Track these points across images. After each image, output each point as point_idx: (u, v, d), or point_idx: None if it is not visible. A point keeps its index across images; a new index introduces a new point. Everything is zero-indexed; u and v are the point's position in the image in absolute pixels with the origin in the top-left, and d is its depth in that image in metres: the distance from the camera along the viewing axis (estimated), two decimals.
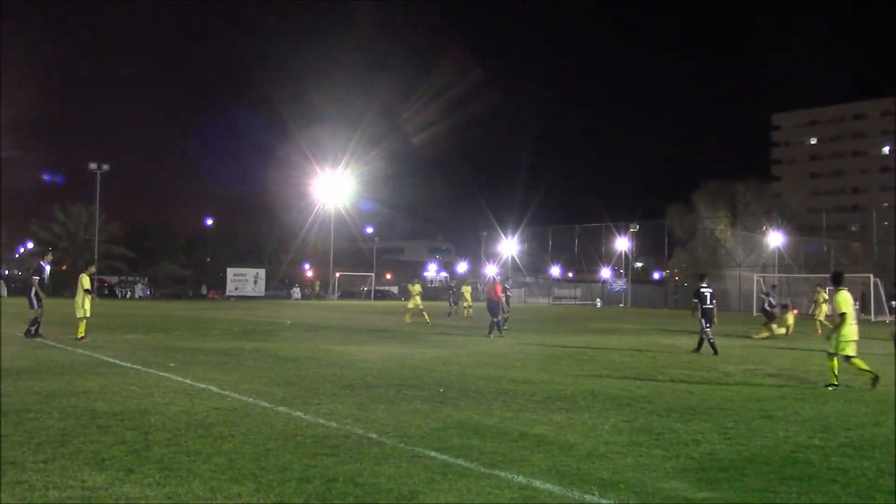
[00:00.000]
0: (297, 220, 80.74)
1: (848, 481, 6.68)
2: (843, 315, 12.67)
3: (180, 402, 9.96)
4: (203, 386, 11.47)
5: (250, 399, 10.33)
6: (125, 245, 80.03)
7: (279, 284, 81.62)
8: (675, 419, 9.46)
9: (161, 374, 12.86)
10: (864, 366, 12.70)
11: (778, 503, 6.03)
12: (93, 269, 20.77)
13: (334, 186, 73.10)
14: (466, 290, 39.27)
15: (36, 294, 19.43)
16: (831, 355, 12.82)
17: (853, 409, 10.69)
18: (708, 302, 18.92)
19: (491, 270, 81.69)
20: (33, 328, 19.43)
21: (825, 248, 64.39)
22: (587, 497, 6.06)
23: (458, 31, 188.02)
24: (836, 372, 12.77)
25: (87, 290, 19.36)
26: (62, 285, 78.20)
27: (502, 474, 6.62)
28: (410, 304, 32.08)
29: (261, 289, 73.24)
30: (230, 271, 73.08)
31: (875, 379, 12.60)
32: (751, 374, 14.71)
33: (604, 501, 5.97)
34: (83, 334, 19.07)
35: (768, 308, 26.93)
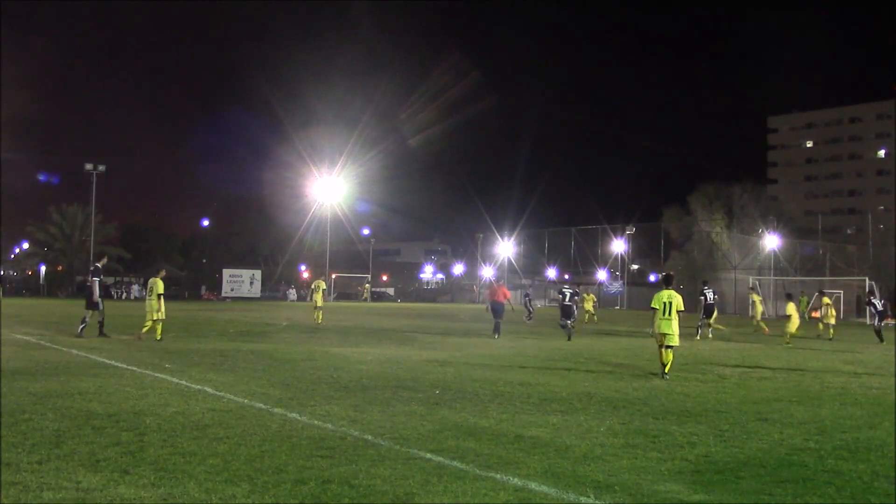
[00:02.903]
0: (294, 221, 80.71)
1: (843, 484, 6.69)
2: (653, 310, 14.51)
3: (176, 403, 9.94)
4: (199, 387, 11.45)
5: (246, 400, 10.32)
6: (121, 246, 79.97)
7: (275, 285, 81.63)
8: (671, 421, 9.47)
9: (157, 375, 12.84)
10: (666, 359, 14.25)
11: None
12: (163, 272, 21.24)
13: (331, 188, 73.01)
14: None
15: (98, 295, 20.44)
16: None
17: (848, 411, 10.71)
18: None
19: (487, 272, 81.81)
20: (100, 327, 20.50)
21: (820, 251, 64.50)
22: (582, 499, 6.06)
23: (456, 33, 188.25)
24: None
25: (160, 295, 19.91)
26: (57, 286, 78.07)
27: (498, 476, 6.62)
28: (320, 303, 31.22)
29: (257, 290, 73.25)
30: (226, 272, 73.06)
31: (662, 373, 14.12)
32: (746, 377, 14.73)
33: (599, 503, 5.97)
34: (160, 336, 19.83)
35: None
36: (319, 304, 30.80)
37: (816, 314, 33.81)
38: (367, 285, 78.88)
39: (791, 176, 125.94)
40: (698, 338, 25.29)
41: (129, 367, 13.71)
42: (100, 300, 20.52)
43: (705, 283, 26.92)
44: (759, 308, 31.56)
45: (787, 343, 23.59)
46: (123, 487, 6.04)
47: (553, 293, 79.85)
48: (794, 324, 23.91)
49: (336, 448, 7.52)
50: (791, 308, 24.29)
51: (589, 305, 38.26)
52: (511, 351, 19.45)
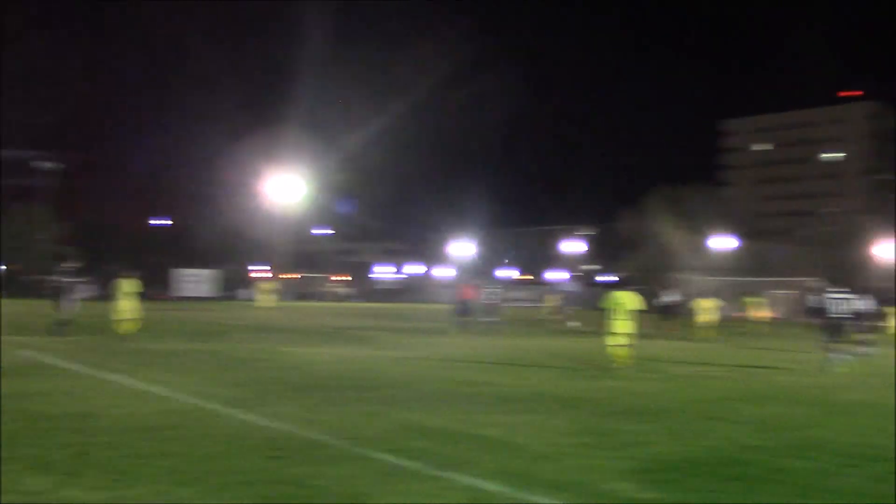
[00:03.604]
0: (249, 220, 79.95)
1: (789, 481, 6.83)
2: (606, 311, 15.50)
3: (126, 404, 9.82)
4: (150, 388, 11.32)
5: (198, 401, 10.23)
6: (74, 245, 78.50)
7: (230, 285, 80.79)
8: (622, 420, 9.59)
9: (108, 376, 12.66)
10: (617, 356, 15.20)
11: (721, 503, 6.14)
12: (135, 273, 21.57)
13: (285, 186, 72.50)
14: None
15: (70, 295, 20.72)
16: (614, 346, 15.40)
17: (794, 410, 10.93)
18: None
19: (447, 272, 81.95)
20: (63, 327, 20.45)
21: (771, 253, 65.65)
22: (534, 498, 6.11)
23: (414, 30, 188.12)
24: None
25: (135, 294, 20.26)
26: (13, 287, 76.40)
27: (450, 476, 6.65)
28: (270, 303, 31.26)
29: (208, 289, 72.39)
30: (177, 272, 72.09)
31: (616, 370, 14.86)
32: (696, 376, 14.95)
33: (550, 502, 6.03)
34: (130, 334, 19.86)
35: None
36: (270, 304, 30.94)
37: (766, 314, 34.57)
38: (330, 285, 78.45)
39: (743, 178, 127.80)
40: (663, 339, 25.89)
41: (80, 369, 13.50)
42: (70, 300, 20.75)
43: (665, 286, 27.31)
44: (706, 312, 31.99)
45: (702, 337, 25.16)
46: (72, 490, 5.96)
47: (510, 293, 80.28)
48: (706, 318, 25.59)
49: (289, 449, 7.49)
50: (706, 304, 25.44)
51: (551, 306, 38.64)
52: (466, 350, 19.51)
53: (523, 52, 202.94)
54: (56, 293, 20.69)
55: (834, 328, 16.59)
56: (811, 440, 8.70)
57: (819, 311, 17.22)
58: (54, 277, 21.06)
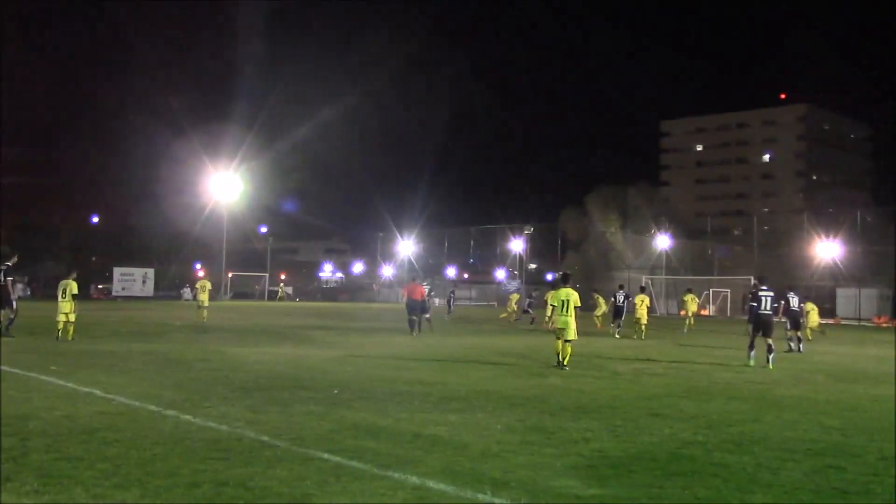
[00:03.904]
0: (189, 218, 78.74)
1: (729, 476, 6.94)
2: (552, 307, 15.84)
3: (62, 406, 9.58)
4: (87, 390, 11.07)
5: (137, 403, 10.03)
6: (7, 244, 76.44)
7: (169, 285, 79.46)
8: (567, 418, 9.66)
9: (42, 377, 12.35)
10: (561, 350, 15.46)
11: (664, 498, 6.22)
12: (75, 273, 21.65)
13: (227, 185, 71.59)
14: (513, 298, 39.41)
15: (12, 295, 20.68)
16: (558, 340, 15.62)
17: (734, 406, 11.13)
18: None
19: (387, 271, 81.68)
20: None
21: (710, 251, 66.88)
22: (480, 496, 6.11)
23: (358, 31, 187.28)
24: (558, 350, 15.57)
25: (74, 295, 20.20)
26: None
27: (396, 475, 6.61)
28: (206, 302, 31.41)
29: (149, 289, 71.07)
30: (117, 271, 70.62)
31: (557, 365, 15.37)
32: (639, 373, 15.14)
33: (496, 500, 6.03)
34: (71, 336, 19.94)
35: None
36: (206, 303, 30.90)
37: (706, 311, 35.36)
38: (281, 285, 77.79)
39: (682, 178, 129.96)
40: (617, 336, 26.66)
41: (13, 370, 13.12)
42: (13, 300, 20.74)
43: (621, 286, 29.33)
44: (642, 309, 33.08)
45: (638, 334, 26.56)
46: (5, 495, 5.78)
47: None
48: (641, 315, 27.24)
49: (232, 450, 7.38)
50: (642, 301, 27.75)
51: (512, 305, 38.44)
52: (411, 349, 19.48)
53: (469, 53, 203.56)
54: (6, 292, 20.37)
55: (764, 325, 17.09)
56: (750, 435, 8.87)
57: (749, 309, 17.81)
58: (6, 277, 20.52)
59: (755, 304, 17.25)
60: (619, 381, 13.87)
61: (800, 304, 22.61)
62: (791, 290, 22.52)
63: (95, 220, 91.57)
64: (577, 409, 10.42)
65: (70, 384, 11.60)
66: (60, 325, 19.95)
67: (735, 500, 6.20)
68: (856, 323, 48.89)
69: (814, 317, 30.58)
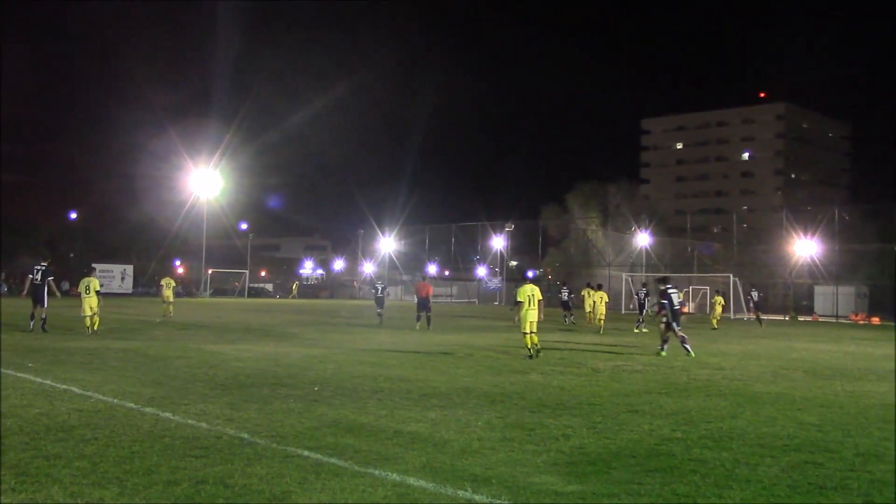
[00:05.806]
0: (169, 215, 78.26)
1: (707, 472, 6.98)
2: (519, 303, 16.76)
3: (39, 404, 9.50)
4: (64, 387, 10.98)
5: (115, 400, 9.96)
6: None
7: (148, 281, 78.96)
8: (547, 414, 9.68)
9: (18, 374, 12.23)
10: (531, 342, 16.69)
11: (643, 494, 6.24)
12: (97, 270, 23.26)
13: (207, 181, 71.22)
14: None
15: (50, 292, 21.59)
16: (524, 334, 16.89)
17: (713, 402, 11.20)
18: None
19: (368, 268, 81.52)
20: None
21: (689, 249, 67.20)
22: (460, 493, 6.12)
23: (340, 28, 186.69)
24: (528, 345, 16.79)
25: (97, 291, 21.52)
26: None
27: (376, 472, 6.61)
28: (170, 298, 31.87)
29: (128, 286, 70.61)
30: (95, 267, 70.17)
31: (530, 356, 16.54)
32: (618, 370, 15.20)
33: (476, 497, 6.04)
34: (97, 327, 21.23)
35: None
36: (170, 298, 31.83)
37: (686, 309, 35.58)
38: (296, 283, 78.18)
39: (662, 176, 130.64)
40: (578, 332, 27.38)
41: None
42: (45, 298, 21.34)
43: (564, 283, 30.41)
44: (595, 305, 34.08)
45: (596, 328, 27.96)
46: None
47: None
48: (600, 311, 29.45)
49: (211, 447, 7.35)
50: (599, 296, 29.97)
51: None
52: (391, 346, 19.46)
53: (451, 51, 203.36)
54: (46, 292, 21.30)
55: (675, 319, 18.48)
56: (728, 431, 8.92)
57: (661, 306, 18.48)
58: (45, 277, 21.49)
59: (665, 302, 18.20)
60: (599, 377, 13.91)
61: (679, 302, 22.72)
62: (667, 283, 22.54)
63: (73, 216, 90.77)
64: (557, 405, 10.45)
65: (47, 381, 11.50)
66: (87, 321, 20.88)
67: (713, 496, 6.23)
68: (833, 320, 49.32)
69: (718, 310, 34.66)
